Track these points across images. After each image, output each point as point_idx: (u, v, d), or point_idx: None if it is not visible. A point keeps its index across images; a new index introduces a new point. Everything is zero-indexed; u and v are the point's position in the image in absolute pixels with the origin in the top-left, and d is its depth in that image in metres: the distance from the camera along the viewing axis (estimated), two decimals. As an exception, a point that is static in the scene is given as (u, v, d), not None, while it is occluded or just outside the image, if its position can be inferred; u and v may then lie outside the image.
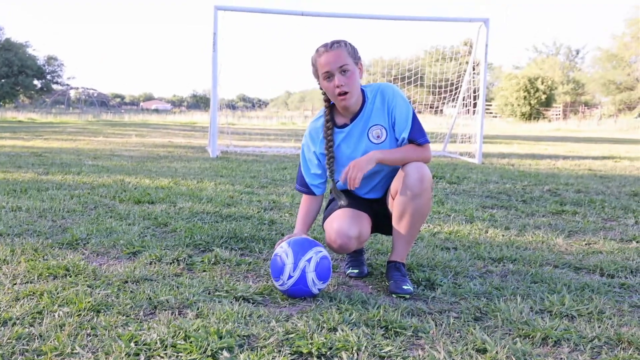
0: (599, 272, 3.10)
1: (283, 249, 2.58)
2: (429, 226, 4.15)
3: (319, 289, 2.55)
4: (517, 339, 2.13)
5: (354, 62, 2.70)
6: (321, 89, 2.79)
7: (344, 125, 2.82)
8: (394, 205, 2.74)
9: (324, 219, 2.95)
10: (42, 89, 57.85)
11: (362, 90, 2.81)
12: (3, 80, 52.29)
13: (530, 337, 2.15)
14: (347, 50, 2.68)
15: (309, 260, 2.52)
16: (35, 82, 57.01)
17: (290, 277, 2.51)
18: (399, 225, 2.74)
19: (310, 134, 2.91)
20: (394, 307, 2.44)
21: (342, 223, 2.74)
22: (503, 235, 3.91)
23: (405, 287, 2.65)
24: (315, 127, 2.89)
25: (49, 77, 58.79)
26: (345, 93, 2.67)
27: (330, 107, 2.84)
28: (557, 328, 2.22)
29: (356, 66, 2.71)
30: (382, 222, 2.94)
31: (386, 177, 2.87)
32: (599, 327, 2.25)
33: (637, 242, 3.82)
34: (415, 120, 2.75)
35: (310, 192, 2.92)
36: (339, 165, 2.87)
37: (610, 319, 2.35)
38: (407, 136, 2.73)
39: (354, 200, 2.91)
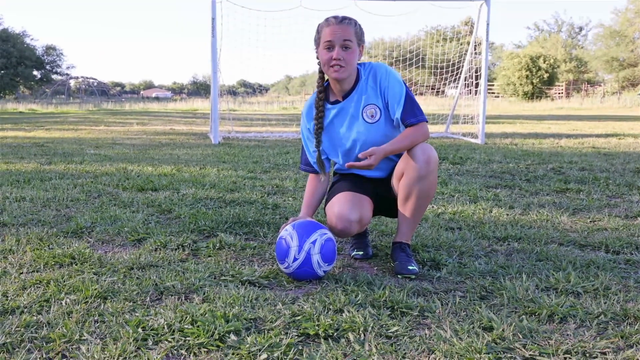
0: (604, 248, 3.10)
1: (288, 232, 2.58)
2: (433, 207, 4.15)
3: (324, 271, 2.56)
4: (524, 316, 2.13)
5: (357, 42, 2.70)
6: (318, 62, 2.78)
7: (336, 102, 2.83)
8: (400, 186, 2.73)
9: (326, 202, 2.95)
10: (42, 80, 57.76)
11: (357, 69, 2.80)
12: (2, 72, 52.21)
13: (537, 314, 2.16)
14: (355, 30, 2.70)
15: (313, 243, 2.52)
16: (35, 72, 56.90)
17: (295, 259, 2.51)
18: (405, 206, 2.74)
19: (305, 111, 2.94)
20: (399, 287, 2.44)
21: (343, 207, 2.74)
22: (507, 215, 3.91)
23: (410, 267, 2.65)
24: (309, 104, 2.93)
25: (48, 67, 58.67)
26: (340, 66, 2.67)
27: (324, 80, 2.85)
28: (563, 305, 2.22)
29: (358, 47, 2.71)
30: (385, 205, 2.93)
31: (390, 157, 2.86)
32: (605, 303, 2.25)
33: (641, 218, 3.81)
34: (407, 100, 2.73)
35: (314, 170, 2.94)
36: (335, 145, 2.88)
37: (616, 295, 2.35)
38: (399, 116, 2.72)
39: (357, 182, 2.91)
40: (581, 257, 2.90)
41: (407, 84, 2.78)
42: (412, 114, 2.71)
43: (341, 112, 2.82)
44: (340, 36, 2.65)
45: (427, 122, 2.75)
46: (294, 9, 10.02)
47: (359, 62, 2.82)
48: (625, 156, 7.41)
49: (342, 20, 2.68)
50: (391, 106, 2.74)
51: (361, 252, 2.96)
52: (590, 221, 3.74)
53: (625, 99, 35.30)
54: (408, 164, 2.67)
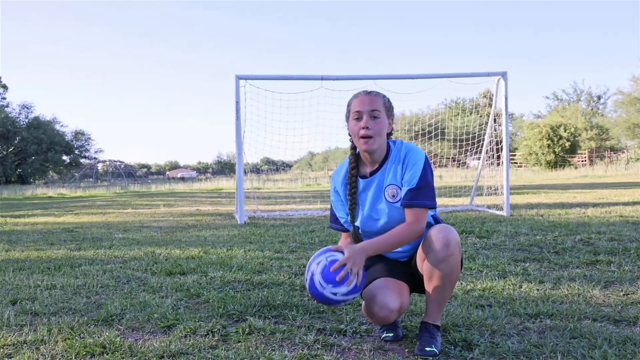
0: (640, 323, 3.03)
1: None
2: (461, 283, 4.11)
3: (334, 296, 2.54)
4: (561, 399, 2.08)
5: (387, 114, 2.79)
6: (349, 135, 2.85)
7: (364, 177, 2.87)
8: (424, 269, 2.72)
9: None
10: (71, 164, 59.38)
11: (389, 146, 2.85)
12: (33, 158, 53.86)
13: (574, 396, 2.11)
14: (384, 102, 2.80)
15: (318, 263, 2.59)
16: (64, 157, 58.58)
17: (306, 280, 2.63)
18: (430, 287, 2.72)
19: (333, 177, 3.01)
20: (432, 371, 2.40)
21: (385, 296, 2.69)
22: (538, 290, 3.86)
23: (428, 348, 2.62)
24: (339, 171, 2.99)
25: (77, 151, 60.44)
26: (369, 137, 2.73)
27: (356, 155, 2.90)
28: (602, 386, 2.16)
29: (387, 119, 2.79)
30: (415, 283, 2.91)
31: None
32: (645, 382, 2.19)
33: (676, 290, 3.73)
34: (421, 180, 2.69)
35: (343, 228, 2.98)
36: (359, 214, 2.90)
37: (656, 373, 2.29)
38: (402, 195, 2.72)
39: (392, 264, 2.90)
40: (616, 333, 2.84)
41: (431, 169, 2.78)
42: (414, 196, 2.69)
43: (368, 187, 2.86)
44: (369, 106, 2.74)
45: (430, 208, 2.70)
46: (315, 90, 10.28)
47: (393, 138, 2.89)
48: (655, 224, 7.30)
49: (370, 92, 2.80)
50: (403, 185, 2.75)
51: (391, 334, 2.93)
52: (624, 294, 3.67)
53: (650, 164, 34.98)
54: (428, 248, 2.66)
